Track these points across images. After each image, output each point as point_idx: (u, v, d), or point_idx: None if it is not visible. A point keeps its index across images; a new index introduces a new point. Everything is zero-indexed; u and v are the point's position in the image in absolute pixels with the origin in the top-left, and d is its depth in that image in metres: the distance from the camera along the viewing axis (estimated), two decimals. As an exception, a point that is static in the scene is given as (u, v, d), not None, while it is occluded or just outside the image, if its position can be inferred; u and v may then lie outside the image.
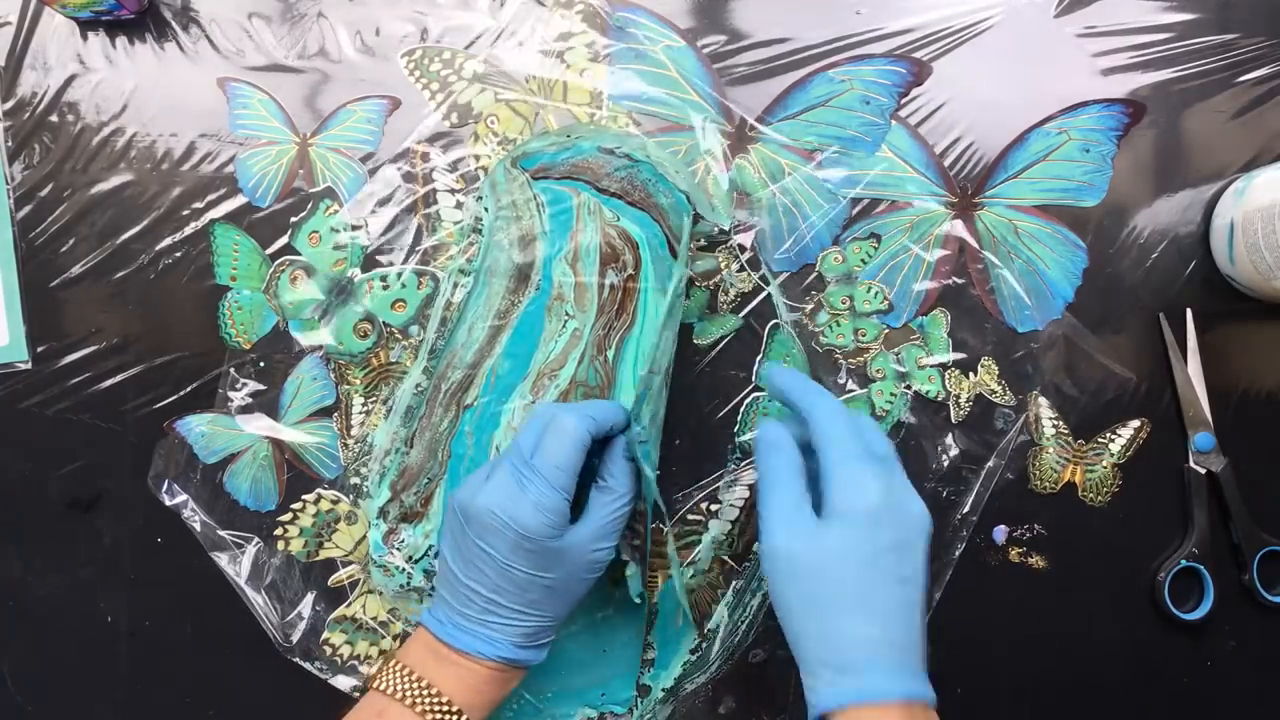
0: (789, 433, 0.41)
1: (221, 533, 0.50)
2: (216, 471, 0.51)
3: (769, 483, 0.40)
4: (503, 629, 0.40)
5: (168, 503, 0.50)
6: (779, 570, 0.38)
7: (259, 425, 0.51)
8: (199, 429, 0.51)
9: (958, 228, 0.51)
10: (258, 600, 0.50)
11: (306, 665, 0.50)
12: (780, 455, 0.40)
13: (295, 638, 0.50)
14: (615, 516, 0.41)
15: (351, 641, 0.51)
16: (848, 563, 0.37)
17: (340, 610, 0.51)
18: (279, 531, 0.51)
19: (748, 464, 0.51)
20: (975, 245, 0.51)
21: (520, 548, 0.39)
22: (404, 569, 0.48)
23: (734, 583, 0.51)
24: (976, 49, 0.51)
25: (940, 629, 0.50)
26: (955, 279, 0.51)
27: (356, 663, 0.51)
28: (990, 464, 0.51)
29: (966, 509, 0.51)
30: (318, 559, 0.51)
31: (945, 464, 0.51)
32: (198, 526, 0.50)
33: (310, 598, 0.51)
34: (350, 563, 0.51)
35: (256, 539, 0.51)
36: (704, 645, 0.50)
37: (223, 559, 0.50)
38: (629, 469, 0.43)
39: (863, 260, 0.51)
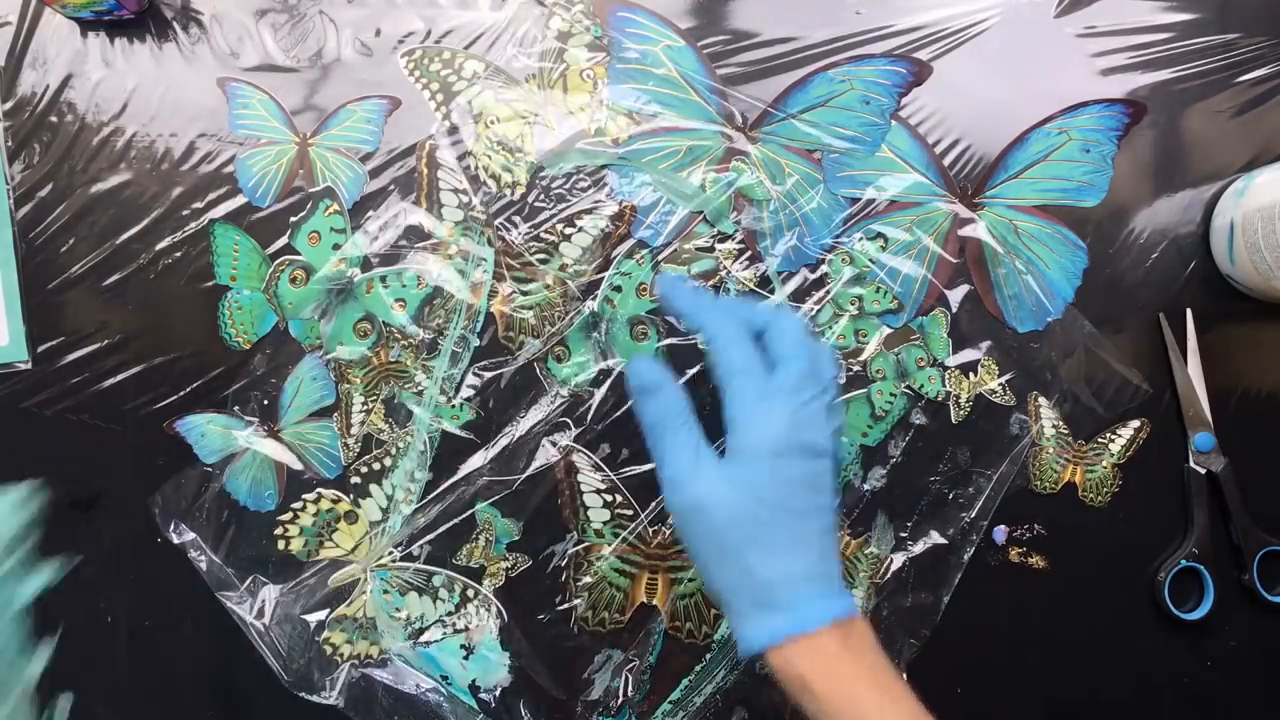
0: (665, 370, 0.39)
1: (229, 571, 0.50)
2: (222, 509, 0.51)
3: (658, 433, 0.38)
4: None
5: (175, 541, 0.50)
6: (689, 522, 0.37)
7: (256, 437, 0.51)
8: (199, 429, 0.51)
9: (961, 227, 0.51)
10: (264, 638, 0.50)
11: (314, 698, 0.50)
12: (663, 399, 0.38)
13: (297, 667, 0.50)
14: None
15: (351, 641, 0.51)
16: (761, 502, 0.36)
17: (340, 610, 0.51)
18: (279, 531, 0.51)
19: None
20: (978, 244, 0.51)
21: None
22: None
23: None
24: (976, 49, 0.51)
25: (940, 629, 0.50)
26: (955, 279, 0.51)
27: (356, 662, 0.51)
28: (1003, 469, 0.51)
29: (975, 513, 0.51)
30: (318, 558, 0.51)
31: (955, 466, 0.51)
32: (204, 566, 0.50)
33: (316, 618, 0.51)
34: (350, 562, 0.51)
35: (266, 581, 0.50)
36: (708, 656, 0.50)
37: (230, 598, 0.50)
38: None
39: (870, 260, 0.51)
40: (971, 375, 0.51)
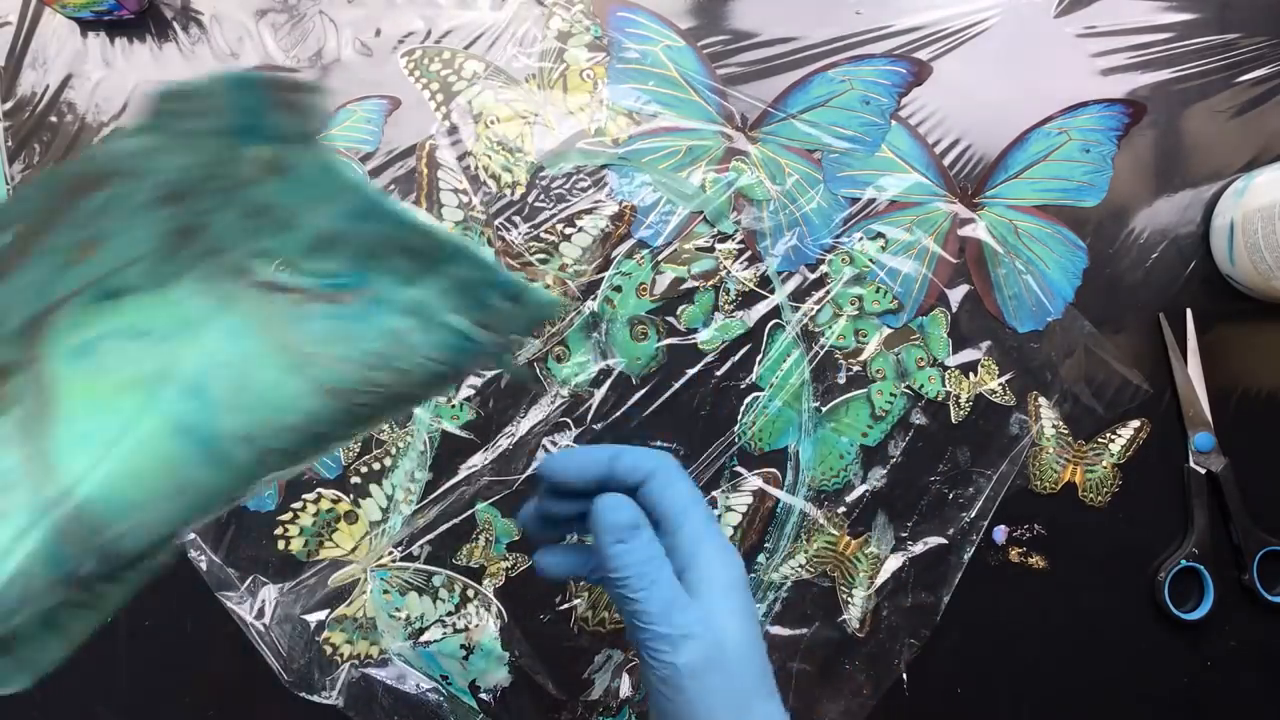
0: (637, 506, 0.33)
1: (229, 571, 0.50)
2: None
3: (643, 578, 0.31)
4: None
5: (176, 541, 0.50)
6: (700, 676, 0.30)
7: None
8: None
9: (961, 227, 0.51)
10: (265, 638, 0.50)
11: (314, 698, 0.50)
12: (646, 539, 0.32)
13: (297, 667, 0.50)
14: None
15: (351, 641, 0.51)
16: (754, 639, 0.32)
17: (340, 610, 0.51)
18: (279, 531, 0.51)
19: (756, 473, 0.51)
20: (978, 244, 0.51)
21: None
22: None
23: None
24: (976, 49, 0.51)
25: (940, 629, 0.50)
26: (955, 279, 0.51)
27: (356, 662, 0.51)
28: (1003, 469, 0.51)
29: (975, 513, 0.51)
30: (318, 558, 0.51)
31: (955, 466, 0.51)
32: (204, 566, 0.50)
33: (317, 617, 0.51)
34: (350, 562, 0.51)
35: (266, 581, 0.50)
36: None
37: (230, 598, 0.50)
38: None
39: (870, 260, 0.51)
40: (971, 375, 0.51)
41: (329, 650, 0.50)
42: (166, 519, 0.23)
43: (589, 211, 0.51)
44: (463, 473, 0.50)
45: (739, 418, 0.51)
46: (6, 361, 0.22)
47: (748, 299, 0.51)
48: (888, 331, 0.51)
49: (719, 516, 0.51)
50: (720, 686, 0.30)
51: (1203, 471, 0.51)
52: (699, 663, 0.30)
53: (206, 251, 0.23)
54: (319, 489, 0.51)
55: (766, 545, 0.51)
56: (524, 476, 0.50)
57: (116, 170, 0.23)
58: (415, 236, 0.25)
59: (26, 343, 0.22)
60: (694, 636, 0.30)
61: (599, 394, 0.50)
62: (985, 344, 0.51)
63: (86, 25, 0.51)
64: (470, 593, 0.51)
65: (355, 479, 0.51)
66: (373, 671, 0.50)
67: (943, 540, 0.51)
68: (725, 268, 0.51)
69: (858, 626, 0.50)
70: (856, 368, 0.51)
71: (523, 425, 0.50)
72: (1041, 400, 0.51)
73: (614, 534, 0.31)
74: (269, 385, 0.23)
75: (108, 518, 0.21)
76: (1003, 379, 0.51)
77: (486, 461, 0.50)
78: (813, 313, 0.51)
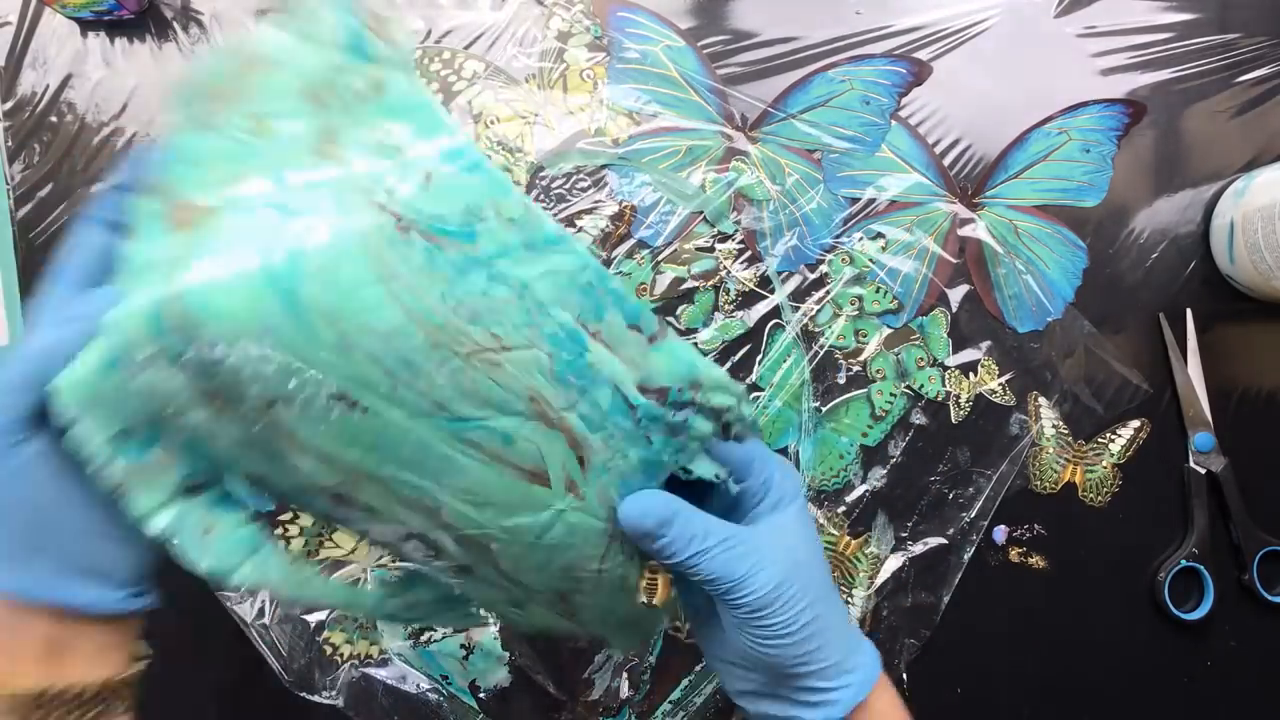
0: (665, 493, 0.32)
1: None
2: None
3: (701, 552, 0.32)
4: None
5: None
6: (793, 592, 0.32)
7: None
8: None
9: (961, 227, 0.51)
10: (265, 638, 0.50)
11: (314, 698, 0.50)
12: (682, 521, 0.31)
13: (297, 666, 0.50)
14: None
15: (351, 641, 0.51)
16: (817, 546, 0.34)
17: (340, 610, 0.51)
18: (279, 531, 0.51)
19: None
20: (978, 244, 0.51)
21: None
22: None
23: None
24: (976, 49, 0.51)
25: (940, 629, 0.50)
26: (955, 279, 0.51)
27: (356, 662, 0.51)
28: (1003, 469, 0.51)
29: (975, 513, 0.50)
30: (318, 558, 0.51)
31: (955, 466, 0.51)
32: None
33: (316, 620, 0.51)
34: (350, 562, 0.51)
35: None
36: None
37: (231, 598, 0.50)
38: None
39: (870, 260, 0.51)
40: (971, 375, 0.51)
41: (329, 650, 0.50)
42: (250, 348, 0.25)
43: (589, 211, 0.51)
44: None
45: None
46: (198, 204, 0.26)
47: (748, 299, 0.51)
48: (888, 331, 0.51)
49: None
50: (799, 594, 0.32)
51: (1203, 471, 0.51)
52: (779, 580, 0.32)
53: (341, 161, 0.26)
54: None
55: (766, 545, 0.51)
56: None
57: (267, 57, 0.27)
58: (521, 210, 0.27)
59: (216, 191, 0.26)
60: (756, 577, 0.32)
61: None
62: (985, 344, 0.51)
63: (86, 25, 0.51)
64: (470, 593, 0.51)
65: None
66: (373, 671, 0.50)
67: (943, 540, 0.51)
68: (725, 268, 0.51)
69: (858, 626, 0.51)
70: (856, 368, 0.51)
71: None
72: (1041, 400, 0.51)
73: (649, 537, 0.31)
74: (356, 282, 0.25)
75: (200, 316, 0.25)
76: (1003, 379, 0.51)
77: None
78: (813, 313, 0.51)
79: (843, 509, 0.51)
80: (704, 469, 0.32)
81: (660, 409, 0.30)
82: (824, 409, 0.51)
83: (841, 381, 0.51)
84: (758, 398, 0.51)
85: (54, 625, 0.29)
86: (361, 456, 0.28)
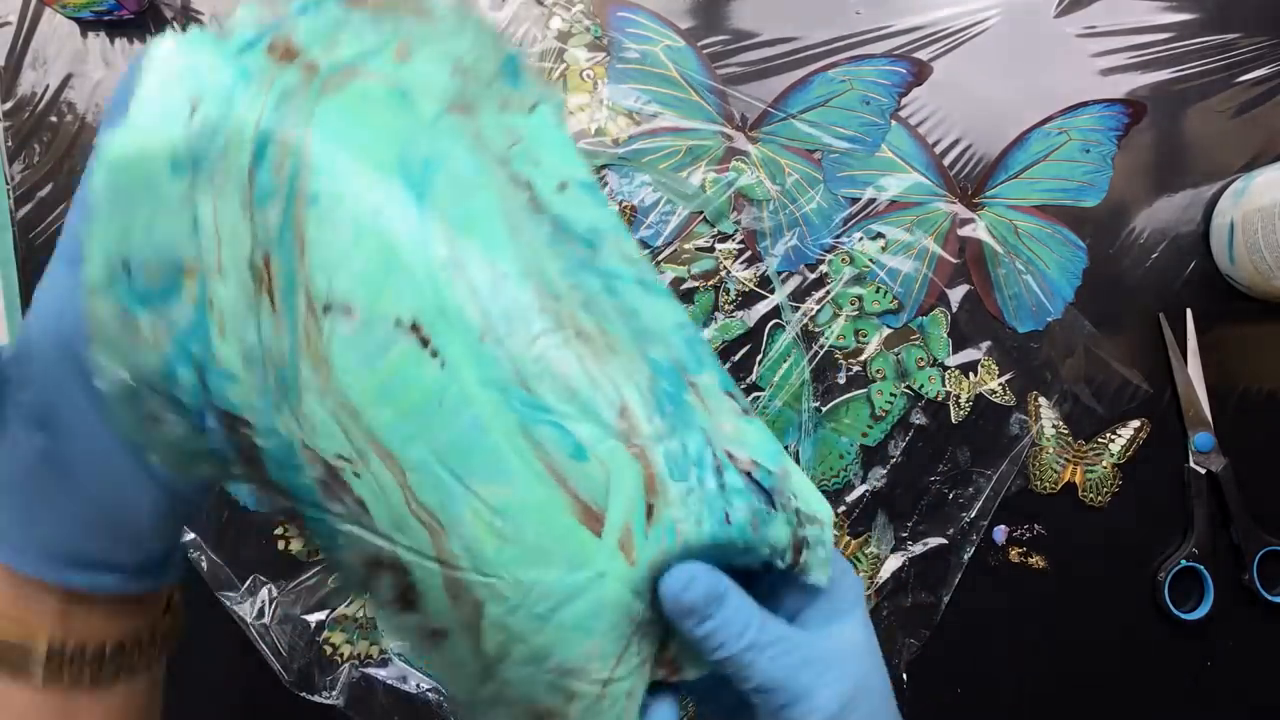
0: (725, 575, 0.26)
1: (229, 571, 0.50)
2: (222, 509, 0.50)
3: (754, 644, 0.26)
4: None
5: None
6: (858, 708, 0.26)
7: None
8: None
9: (961, 227, 0.51)
10: (265, 638, 0.50)
11: (314, 698, 0.50)
12: (734, 602, 0.26)
13: (297, 667, 0.50)
14: None
15: (351, 641, 0.51)
16: (884, 669, 0.29)
17: (340, 610, 0.51)
18: (279, 531, 0.51)
19: None
20: (978, 244, 0.51)
21: None
22: None
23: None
24: (976, 49, 0.51)
25: (940, 629, 0.50)
26: (955, 279, 0.51)
27: (356, 662, 0.51)
28: (1003, 469, 0.51)
29: (975, 513, 0.50)
30: (318, 558, 0.51)
31: (955, 466, 0.51)
32: (204, 566, 0.50)
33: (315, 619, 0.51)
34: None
35: (266, 581, 0.50)
36: None
37: (230, 598, 0.50)
38: None
39: (870, 260, 0.51)
40: (971, 375, 0.51)
41: (329, 650, 0.50)
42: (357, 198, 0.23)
43: (589, 211, 0.50)
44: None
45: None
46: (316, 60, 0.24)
47: (748, 299, 0.51)
48: (888, 331, 0.51)
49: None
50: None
51: (1203, 471, 0.51)
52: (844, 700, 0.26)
53: (477, 132, 0.24)
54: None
55: (766, 545, 0.51)
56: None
57: (433, 11, 0.25)
58: (637, 253, 0.26)
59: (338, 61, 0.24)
60: (827, 684, 0.26)
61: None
62: (985, 344, 0.51)
63: (86, 25, 0.51)
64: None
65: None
66: (373, 671, 0.50)
67: (943, 540, 0.51)
68: (725, 268, 0.51)
69: (858, 626, 0.50)
70: (856, 368, 0.51)
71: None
72: (1041, 400, 0.51)
73: (694, 616, 0.25)
74: (485, 211, 0.23)
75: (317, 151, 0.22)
76: (1003, 379, 0.51)
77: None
78: (813, 313, 0.51)
79: (843, 509, 0.51)
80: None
81: (747, 484, 0.25)
82: (824, 409, 0.51)
83: (841, 381, 0.51)
84: (757, 398, 0.51)
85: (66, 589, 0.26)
86: (393, 420, 0.22)
